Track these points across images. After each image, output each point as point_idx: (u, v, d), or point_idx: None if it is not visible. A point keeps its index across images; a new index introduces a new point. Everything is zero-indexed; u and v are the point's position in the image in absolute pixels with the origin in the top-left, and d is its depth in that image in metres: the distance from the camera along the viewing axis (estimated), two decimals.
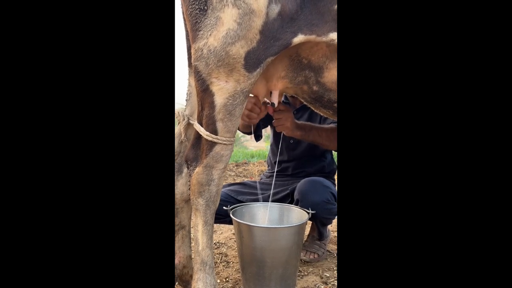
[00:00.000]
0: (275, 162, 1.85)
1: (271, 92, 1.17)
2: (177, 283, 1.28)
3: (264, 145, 6.78)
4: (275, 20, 0.88)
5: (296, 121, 1.51)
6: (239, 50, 0.89)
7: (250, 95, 1.18)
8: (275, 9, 0.87)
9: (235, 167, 4.24)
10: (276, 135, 1.81)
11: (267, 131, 2.19)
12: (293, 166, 1.80)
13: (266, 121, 1.76)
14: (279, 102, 1.23)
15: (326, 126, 1.59)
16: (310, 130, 1.53)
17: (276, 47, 0.91)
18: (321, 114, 1.27)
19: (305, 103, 1.21)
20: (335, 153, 1.91)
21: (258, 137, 1.81)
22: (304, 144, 1.75)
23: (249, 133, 1.80)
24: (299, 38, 0.91)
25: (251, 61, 0.91)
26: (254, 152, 5.49)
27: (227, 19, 0.87)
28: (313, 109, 1.23)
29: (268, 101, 1.25)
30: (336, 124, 1.59)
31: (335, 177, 1.88)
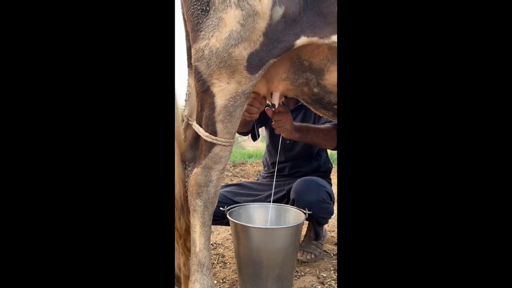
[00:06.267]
0: (272, 163, 1.85)
1: (271, 93, 1.17)
2: None
3: (261, 145, 6.78)
4: (278, 22, 0.87)
5: (294, 123, 1.51)
6: (242, 51, 0.89)
7: None
8: (279, 11, 0.86)
9: (232, 167, 4.24)
10: (273, 136, 1.81)
11: (263, 132, 2.19)
12: (290, 167, 1.81)
13: (262, 121, 1.77)
14: (278, 104, 1.23)
15: (322, 126, 1.60)
16: (307, 131, 1.54)
17: (279, 49, 0.91)
18: (321, 115, 1.28)
19: (305, 104, 1.21)
20: (330, 152, 1.92)
21: (255, 136, 1.82)
22: (300, 145, 1.76)
23: (245, 134, 1.81)
24: (301, 40, 0.91)
25: (254, 63, 0.91)
26: (252, 152, 5.49)
27: (230, 20, 0.87)
28: (312, 110, 1.23)
29: (269, 103, 1.25)
30: (331, 123, 1.61)
31: (331, 176, 1.89)
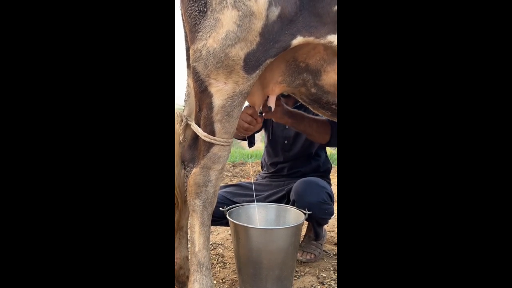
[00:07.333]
0: (271, 164, 1.85)
1: (267, 96, 1.17)
2: None
3: (261, 145, 6.77)
4: (274, 22, 0.88)
5: (288, 108, 1.50)
6: (239, 52, 0.89)
7: (246, 104, 1.18)
8: (275, 11, 0.87)
9: (232, 168, 4.24)
10: (271, 137, 1.81)
11: (262, 132, 2.19)
12: (289, 167, 1.81)
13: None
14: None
15: (318, 117, 1.58)
16: (301, 119, 1.52)
17: (276, 49, 0.91)
18: (320, 115, 1.28)
19: (303, 103, 1.21)
20: (329, 152, 1.92)
21: (251, 144, 1.81)
22: (298, 145, 1.76)
23: (243, 139, 1.80)
24: (298, 40, 0.91)
25: (251, 63, 0.91)
26: (251, 152, 5.49)
27: (226, 21, 0.87)
28: (311, 109, 1.23)
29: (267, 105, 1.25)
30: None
31: (331, 176, 1.89)
